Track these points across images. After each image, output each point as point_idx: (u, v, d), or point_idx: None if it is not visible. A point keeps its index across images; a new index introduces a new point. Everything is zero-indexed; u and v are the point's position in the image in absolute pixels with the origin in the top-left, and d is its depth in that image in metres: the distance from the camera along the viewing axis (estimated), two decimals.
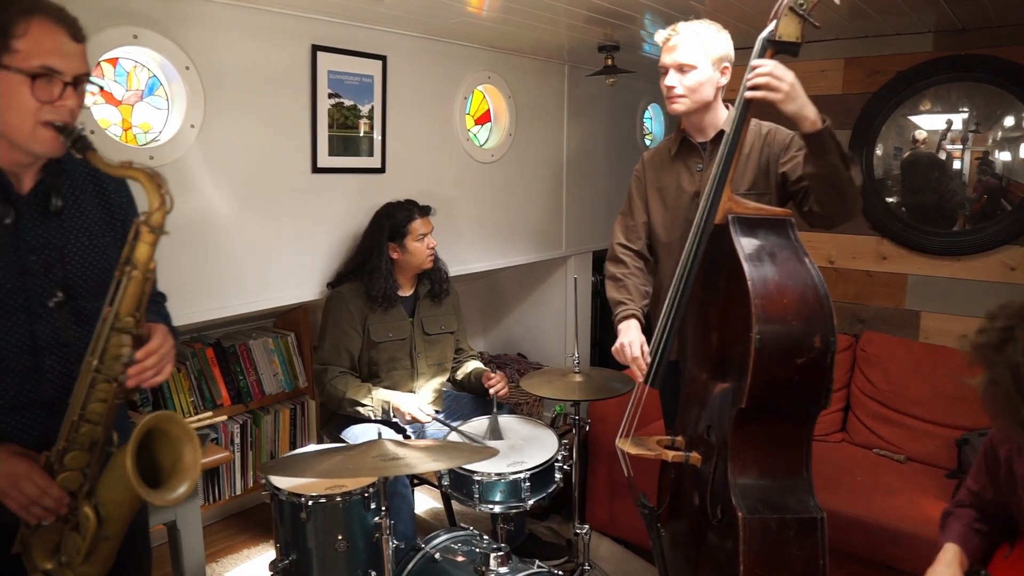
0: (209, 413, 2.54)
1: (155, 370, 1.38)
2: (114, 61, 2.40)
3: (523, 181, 3.88)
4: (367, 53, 2.98)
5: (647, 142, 4.86)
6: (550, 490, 2.41)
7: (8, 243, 1.35)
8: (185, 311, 2.55)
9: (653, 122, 5.03)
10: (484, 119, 3.74)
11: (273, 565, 2.13)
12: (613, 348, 2.15)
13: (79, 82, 1.31)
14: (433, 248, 2.87)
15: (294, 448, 3.28)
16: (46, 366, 1.40)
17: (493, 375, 2.83)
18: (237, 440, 3.08)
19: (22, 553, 1.41)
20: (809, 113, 1.80)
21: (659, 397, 2.41)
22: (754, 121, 2.07)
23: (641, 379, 2.07)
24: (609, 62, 3.63)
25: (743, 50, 2.00)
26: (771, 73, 1.78)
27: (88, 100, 1.39)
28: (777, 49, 1.82)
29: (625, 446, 2.03)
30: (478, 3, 2.71)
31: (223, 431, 3.02)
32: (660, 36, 2.12)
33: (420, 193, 3.14)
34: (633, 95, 4.60)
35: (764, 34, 1.83)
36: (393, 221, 2.85)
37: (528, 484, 2.32)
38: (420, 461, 1.74)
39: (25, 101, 1.26)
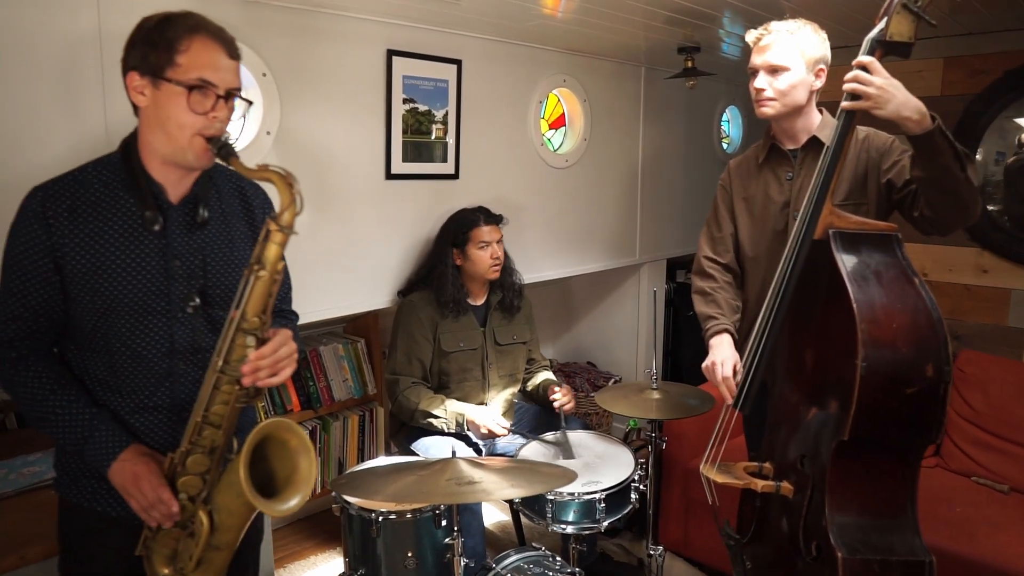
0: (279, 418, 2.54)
1: (270, 371, 1.39)
2: None
3: (597, 187, 3.79)
4: (442, 57, 2.94)
5: (724, 147, 4.70)
6: (626, 511, 2.32)
7: (156, 248, 1.42)
8: None
9: (731, 126, 4.86)
10: (559, 123, 3.66)
11: None
12: (704, 365, 2.04)
13: (231, 96, 1.39)
14: (498, 259, 2.78)
15: (362, 455, 3.28)
16: (180, 370, 1.46)
17: (558, 388, 2.75)
18: None
19: (143, 557, 1.47)
20: (910, 114, 1.66)
21: (742, 416, 2.28)
22: None
23: (730, 402, 1.95)
24: (689, 64, 3.51)
25: (843, 49, 1.87)
26: (855, 78, 1.66)
27: (236, 113, 1.45)
28: (887, 50, 1.69)
29: (711, 473, 1.92)
30: (554, 5, 2.64)
31: None
32: (751, 36, 2.01)
33: (493, 199, 3.08)
34: (711, 98, 4.45)
35: (873, 34, 1.69)
36: (457, 226, 2.81)
37: (603, 505, 2.23)
38: (496, 487, 1.67)
39: (183, 112, 1.35)
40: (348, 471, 2.26)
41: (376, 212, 2.86)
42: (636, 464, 2.39)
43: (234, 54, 1.41)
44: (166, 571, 1.45)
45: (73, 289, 1.39)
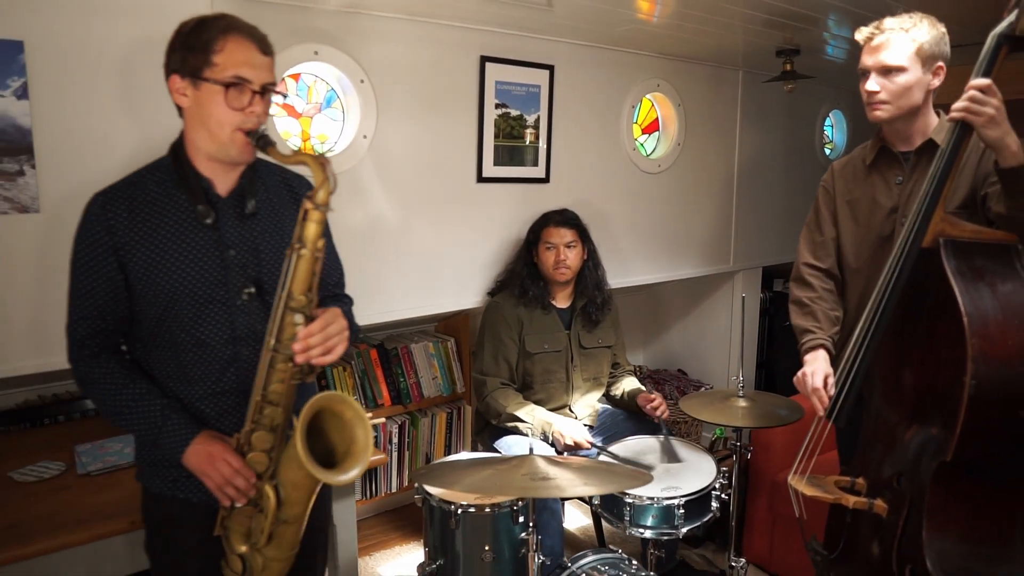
0: (370, 413, 2.62)
1: (322, 348, 1.43)
2: (296, 76, 2.55)
3: (691, 192, 3.73)
4: (535, 63, 2.97)
5: (827, 152, 4.53)
6: (705, 519, 2.27)
7: (210, 240, 1.50)
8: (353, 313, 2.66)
9: (834, 130, 4.68)
10: (652, 128, 3.63)
11: (421, 568, 2.16)
12: (795, 377, 1.96)
13: (266, 91, 1.45)
14: (563, 262, 2.75)
15: (449, 452, 3.34)
16: (243, 356, 1.53)
17: (653, 396, 2.72)
18: (395, 440, 3.18)
19: (222, 536, 1.54)
20: (1011, 143, 1.57)
21: (835, 429, 2.19)
22: None
23: (823, 413, 1.88)
24: (788, 67, 3.41)
25: (961, 48, 1.76)
26: (973, 97, 1.57)
27: (272, 108, 1.53)
28: (1014, 47, 1.58)
29: (799, 485, 1.85)
30: (649, 9, 2.62)
31: (382, 430, 3.12)
32: (862, 34, 1.91)
33: (583, 203, 3.09)
34: (813, 101, 4.30)
35: (1000, 28, 1.59)
36: (534, 225, 2.85)
37: (682, 511, 2.19)
38: (570, 484, 1.68)
39: (221, 109, 1.42)
40: (429, 463, 2.31)
41: (467, 214, 2.92)
42: (718, 472, 2.34)
43: (267, 51, 1.46)
44: (243, 548, 1.52)
45: (137, 285, 1.46)
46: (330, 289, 1.71)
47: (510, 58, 2.89)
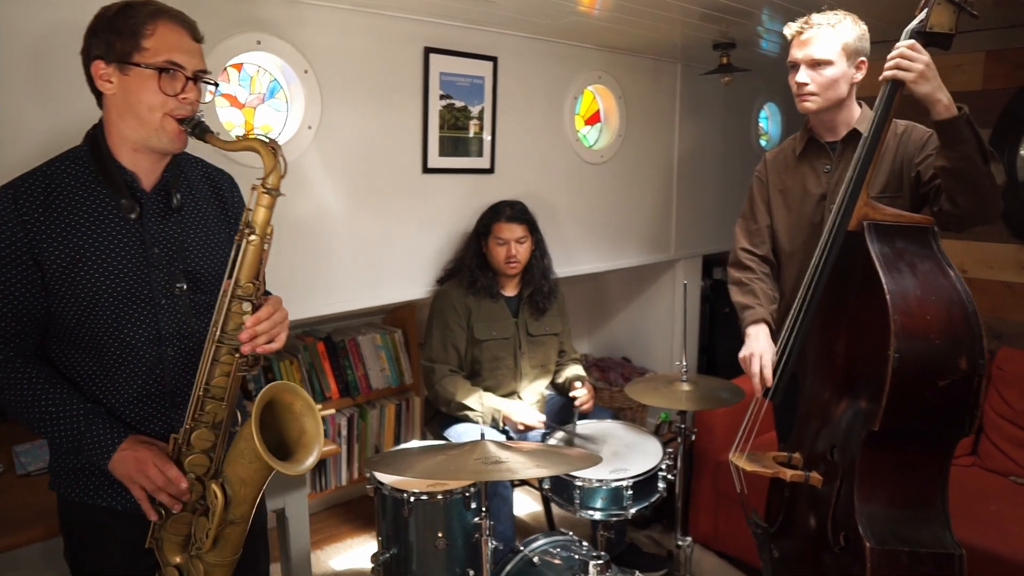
0: (320, 406, 2.60)
1: (268, 336, 1.41)
2: (239, 66, 2.50)
3: (632, 183, 3.80)
4: (478, 54, 2.98)
5: (762, 143, 4.67)
6: (653, 499, 2.35)
7: (134, 236, 1.43)
8: (298, 306, 2.62)
9: (769, 122, 4.82)
10: (594, 120, 3.68)
11: (375, 558, 2.17)
12: (740, 356, 2.04)
13: (198, 78, 1.42)
14: (514, 256, 2.78)
15: (398, 442, 3.34)
16: (168, 356, 1.47)
17: (580, 385, 2.76)
18: (344, 432, 3.17)
19: (155, 548, 1.46)
20: (942, 97, 1.68)
21: (772, 409, 2.28)
22: None
23: (760, 393, 1.96)
24: (724, 60, 3.50)
25: (881, 44, 1.87)
26: (902, 54, 1.68)
27: (206, 98, 1.47)
28: (926, 42, 1.69)
29: (740, 461, 1.93)
30: (590, 2, 2.66)
31: (331, 423, 3.10)
32: (791, 29, 2.00)
33: (528, 194, 3.12)
34: (748, 94, 4.42)
35: (913, 25, 1.70)
36: (484, 218, 2.88)
37: (631, 492, 2.26)
38: (522, 466, 1.71)
39: (153, 95, 1.37)
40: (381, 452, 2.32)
41: (413, 205, 2.92)
42: (664, 453, 2.41)
43: (197, 37, 1.42)
44: (178, 559, 1.46)
45: (54, 284, 1.37)
46: None
47: (454, 49, 2.89)
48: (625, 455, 2.41)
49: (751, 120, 4.52)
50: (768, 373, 1.94)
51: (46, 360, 1.46)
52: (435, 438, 2.79)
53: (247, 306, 1.40)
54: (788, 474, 1.88)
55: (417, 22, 2.77)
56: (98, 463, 1.41)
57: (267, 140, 1.39)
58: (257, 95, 2.56)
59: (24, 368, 1.41)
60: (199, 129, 1.40)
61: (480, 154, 3.10)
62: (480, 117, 3.05)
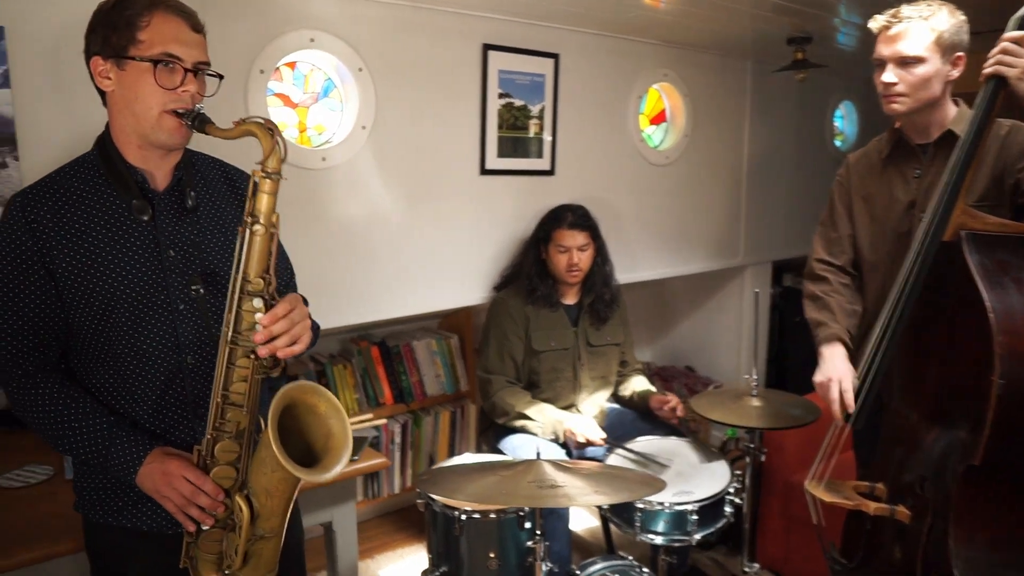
0: (371, 415, 2.55)
1: (288, 337, 1.32)
2: (292, 65, 2.47)
3: (699, 185, 3.65)
4: (539, 51, 2.90)
5: (838, 144, 4.44)
6: (719, 525, 2.20)
7: (148, 239, 1.38)
8: (351, 311, 2.59)
9: (845, 122, 4.59)
10: (659, 119, 3.55)
11: (425, 574, 2.09)
12: (816, 380, 1.87)
13: (198, 70, 1.34)
14: (576, 265, 2.66)
15: (452, 451, 3.28)
16: (188, 365, 1.41)
17: (668, 397, 2.65)
18: (397, 439, 3.11)
19: (189, 567, 1.41)
20: None
21: (852, 429, 2.11)
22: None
23: (841, 419, 1.79)
24: (799, 56, 3.32)
25: (982, 35, 1.69)
26: (1005, 48, 1.51)
27: (210, 90, 1.39)
28: None
29: (817, 491, 1.78)
30: None
31: (384, 431, 3.05)
32: (877, 22, 1.82)
33: (590, 197, 3.01)
34: (823, 92, 4.21)
35: (1021, 13, 1.53)
36: (544, 223, 2.77)
37: (695, 517, 2.12)
38: (579, 492, 1.60)
39: (150, 89, 1.30)
40: (432, 467, 2.24)
41: (470, 207, 2.85)
42: (732, 475, 2.26)
43: (197, 27, 1.35)
44: None
45: (68, 294, 1.33)
46: (281, 290, 1.54)
47: (514, 46, 2.81)
48: (690, 476, 2.27)
49: (826, 120, 4.31)
50: (849, 398, 1.78)
51: (67, 374, 1.41)
52: (490, 450, 2.70)
53: (257, 303, 1.31)
54: (871, 507, 1.71)
55: (475, 18, 2.69)
56: (125, 478, 1.36)
57: (263, 121, 1.30)
58: (311, 94, 2.51)
59: (44, 383, 1.36)
60: (198, 121, 1.32)
61: (540, 155, 3.01)
62: (540, 116, 2.96)
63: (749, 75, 3.76)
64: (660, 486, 1.74)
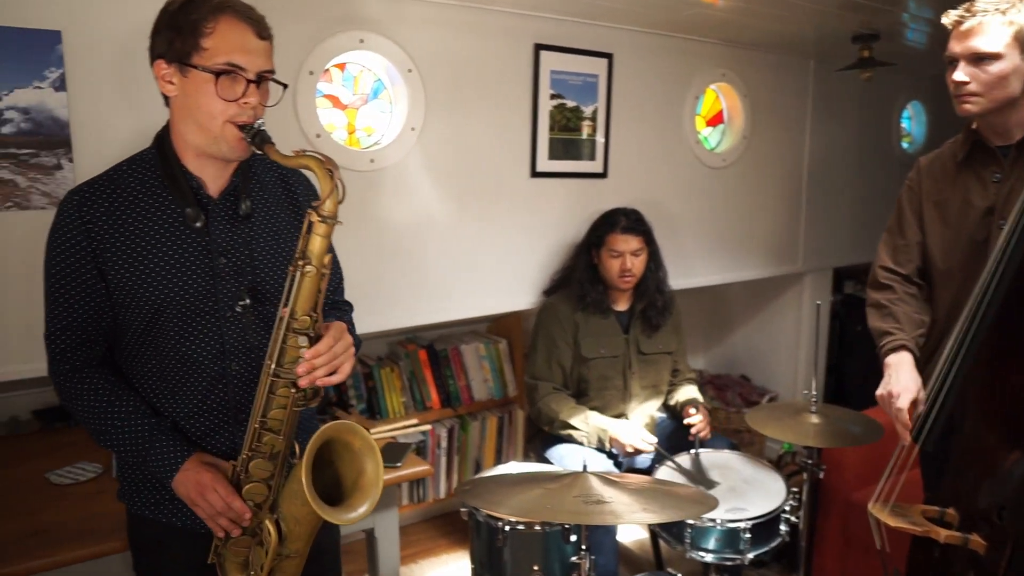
0: (415, 420, 2.52)
1: (328, 368, 1.31)
2: (342, 66, 2.46)
3: (757, 189, 3.54)
4: (592, 51, 2.84)
5: (904, 146, 4.25)
6: (773, 543, 2.11)
7: (199, 246, 1.37)
8: (398, 314, 2.58)
9: (912, 123, 4.40)
10: (716, 120, 3.45)
11: None
12: (878, 393, 1.77)
13: (262, 80, 1.31)
14: (629, 270, 2.58)
15: (499, 457, 3.24)
16: (232, 371, 1.41)
17: (694, 411, 2.55)
18: (444, 444, 3.08)
19: (216, 565, 1.43)
20: None
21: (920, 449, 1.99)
22: None
23: (909, 438, 1.68)
24: (865, 54, 3.17)
25: None
26: None
27: (273, 100, 1.37)
28: None
29: (882, 515, 1.67)
30: None
31: (431, 435, 3.02)
32: (950, 17, 1.70)
33: (643, 200, 2.93)
34: (889, 92, 4.04)
35: None
36: (597, 227, 2.69)
37: (748, 535, 2.03)
38: (627, 509, 1.53)
39: (212, 100, 1.28)
40: (475, 476, 2.20)
41: (521, 210, 2.81)
42: (788, 492, 2.16)
43: (264, 34, 1.31)
44: None
45: (118, 295, 1.33)
46: (329, 296, 1.54)
47: (566, 46, 2.76)
48: (743, 492, 2.18)
49: (892, 121, 4.14)
50: (908, 415, 1.66)
51: (114, 369, 1.42)
52: (536, 458, 2.65)
53: (303, 340, 1.31)
54: (942, 535, 1.59)
55: (527, 17, 2.65)
56: (161, 480, 1.38)
57: (323, 159, 1.27)
58: (360, 96, 2.50)
59: (91, 379, 1.38)
60: (259, 138, 1.29)
61: (592, 157, 2.95)
62: (593, 118, 2.90)
63: (811, 74, 3.64)
64: (712, 504, 1.66)
